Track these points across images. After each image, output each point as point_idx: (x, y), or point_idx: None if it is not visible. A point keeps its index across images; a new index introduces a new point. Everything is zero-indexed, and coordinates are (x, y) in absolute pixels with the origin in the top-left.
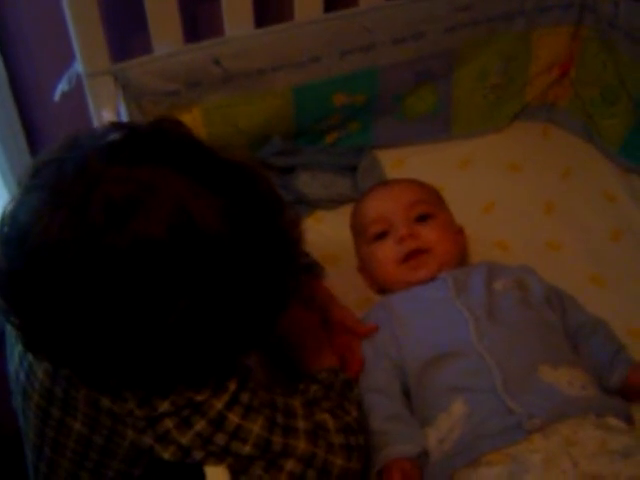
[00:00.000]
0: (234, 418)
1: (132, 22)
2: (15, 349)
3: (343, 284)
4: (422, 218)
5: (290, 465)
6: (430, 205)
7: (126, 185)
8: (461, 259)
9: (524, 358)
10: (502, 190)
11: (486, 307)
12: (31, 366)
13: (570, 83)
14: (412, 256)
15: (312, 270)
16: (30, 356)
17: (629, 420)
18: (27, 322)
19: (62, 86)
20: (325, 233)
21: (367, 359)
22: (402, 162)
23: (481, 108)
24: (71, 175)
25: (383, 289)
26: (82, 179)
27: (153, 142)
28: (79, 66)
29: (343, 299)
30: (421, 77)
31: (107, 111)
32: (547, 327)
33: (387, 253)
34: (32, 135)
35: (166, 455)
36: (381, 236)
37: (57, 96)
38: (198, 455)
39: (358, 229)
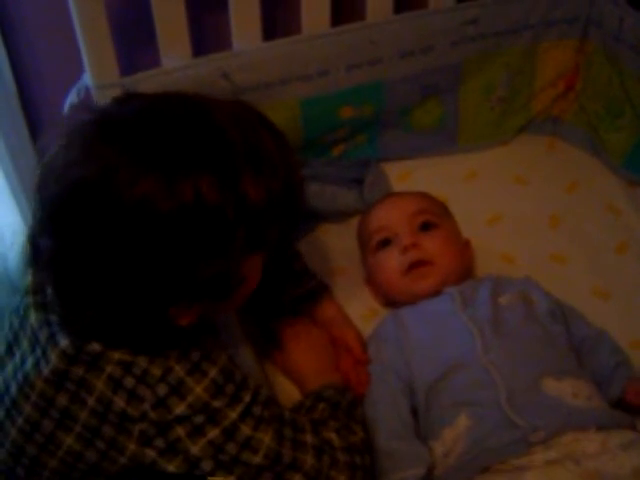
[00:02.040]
0: (246, 429)
1: (141, 35)
2: (9, 363)
3: (350, 296)
4: (426, 227)
5: None
6: (435, 215)
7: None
8: (466, 272)
9: (528, 372)
10: (507, 203)
11: (492, 321)
12: (27, 377)
13: (575, 97)
14: (415, 267)
15: (317, 294)
16: (29, 367)
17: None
18: (60, 247)
19: (71, 98)
20: (331, 245)
21: (374, 375)
22: (408, 175)
23: (487, 121)
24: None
25: (389, 301)
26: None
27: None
28: (88, 79)
29: (349, 312)
30: (428, 90)
31: None
32: (552, 340)
33: (391, 263)
34: (41, 149)
35: (171, 467)
36: (385, 244)
37: (66, 109)
38: (207, 466)
39: (364, 239)
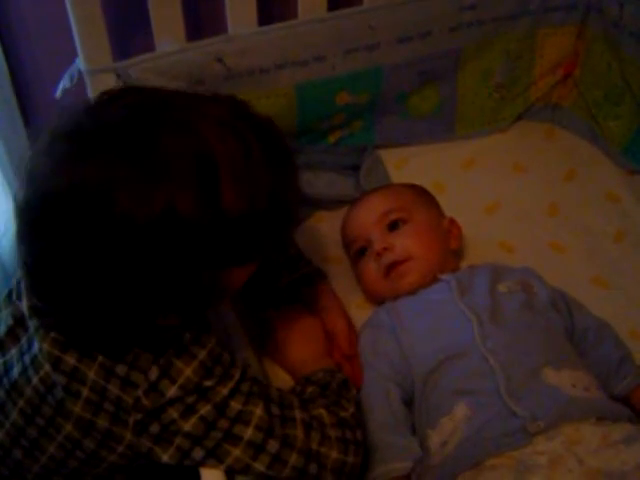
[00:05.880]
0: (236, 405)
1: (135, 19)
2: (12, 347)
3: (345, 285)
4: (394, 226)
5: (293, 459)
6: (402, 211)
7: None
8: (456, 254)
9: (527, 360)
10: (506, 191)
11: (490, 309)
12: (34, 360)
13: (574, 84)
14: (392, 268)
15: (313, 280)
16: (37, 349)
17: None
18: (37, 263)
19: (64, 83)
20: (327, 234)
21: (367, 364)
22: (405, 162)
23: (485, 108)
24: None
25: (382, 303)
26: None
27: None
28: (81, 63)
29: (345, 300)
30: (425, 76)
31: None
32: (551, 330)
33: (369, 270)
34: (35, 135)
35: (165, 457)
36: (362, 252)
37: (59, 93)
38: (198, 455)
39: (345, 249)
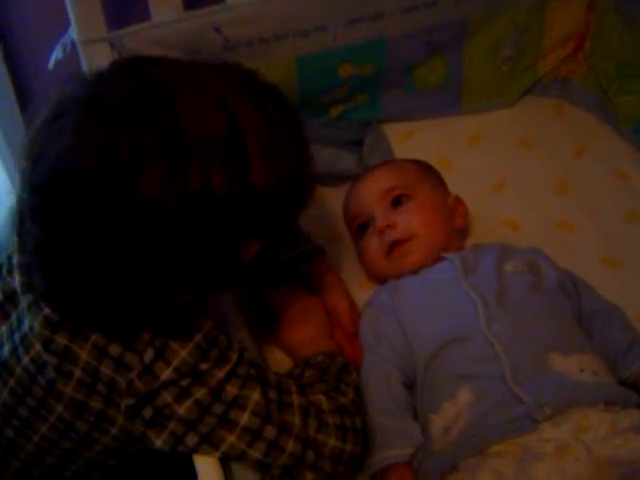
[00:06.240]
0: (233, 389)
1: None
2: (2, 324)
3: (347, 263)
4: (397, 202)
5: (291, 446)
6: (407, 187)
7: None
8: (460, 232)
9: (534, 345)
10: (513, 167)
11: (496, 291)
12: (24, 338)
13: (584, 57)
14: (395, 246)
15: (312, 257)
16: (27, 328)
17: None
18: (48, 235)
19: (56, 54)
20: (329, 211)
21: (367, 346)
22: (410, 136)
23: (493, 81)
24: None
25: (383, 281)
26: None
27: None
28: (74, 33)
29: (346, 278)
30: (432, 47)
31: None
32: (558, 313)
33: (371, 247)
34: (26, 103)
35: (158, 442)
36: (364, 228)
37: (51, 64)
38: (192, 440)
39: (347, 225)
